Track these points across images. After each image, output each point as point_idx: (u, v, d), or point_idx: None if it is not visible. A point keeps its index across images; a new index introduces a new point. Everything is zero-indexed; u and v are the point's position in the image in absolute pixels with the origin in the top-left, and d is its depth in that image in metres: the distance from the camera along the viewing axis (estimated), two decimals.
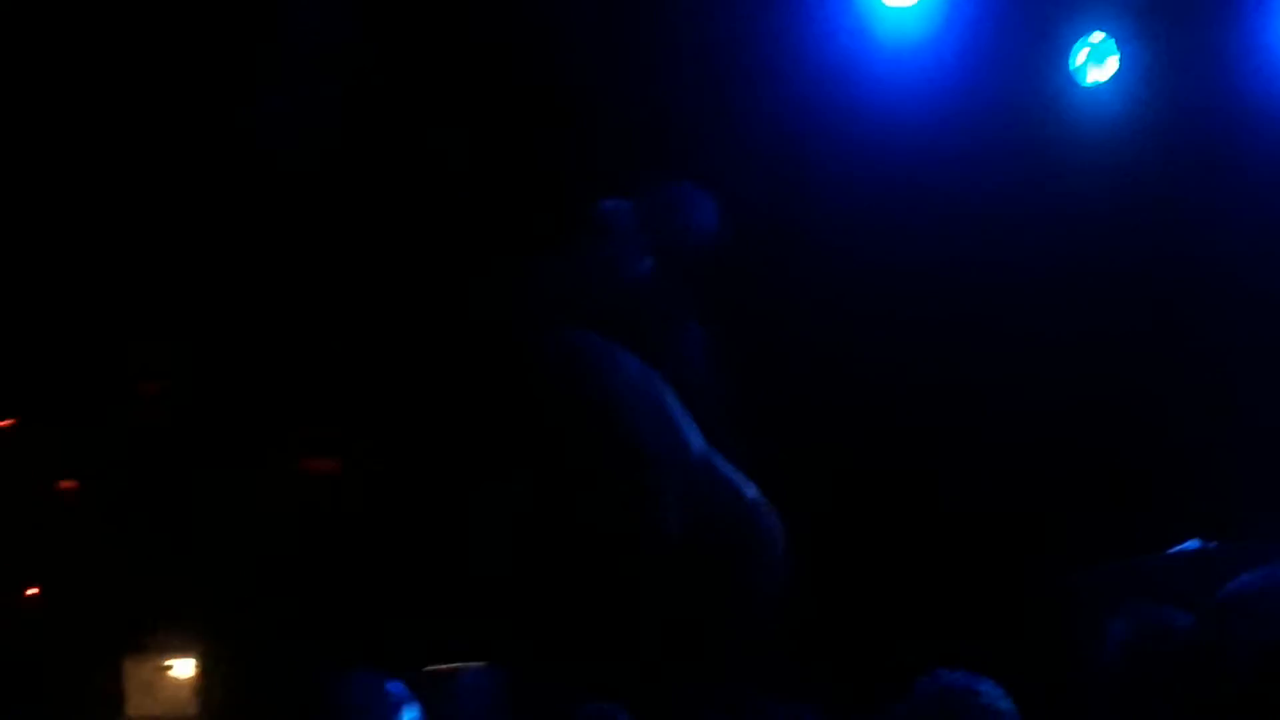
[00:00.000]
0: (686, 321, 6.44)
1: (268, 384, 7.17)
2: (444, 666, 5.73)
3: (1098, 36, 7.20)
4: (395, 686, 4.21)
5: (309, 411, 7.24)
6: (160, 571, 7.16)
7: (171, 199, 6.94)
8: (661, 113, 6.84)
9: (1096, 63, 7.23)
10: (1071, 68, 7.21)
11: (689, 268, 6.44)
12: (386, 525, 6.95)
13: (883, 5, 6.97)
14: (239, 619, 7.22)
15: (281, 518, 7.18)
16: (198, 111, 6.71)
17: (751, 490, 5.07)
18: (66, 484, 7.52)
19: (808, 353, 6.94)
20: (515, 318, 5.67)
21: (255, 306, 7.06)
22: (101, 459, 7.51)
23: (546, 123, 6.72)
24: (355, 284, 6.92)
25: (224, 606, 7.26)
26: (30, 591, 7.51)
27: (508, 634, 5.70)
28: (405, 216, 6.84)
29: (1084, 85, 7.20)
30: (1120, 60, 7.18)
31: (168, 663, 7.50)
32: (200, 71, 6.61)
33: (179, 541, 7.18)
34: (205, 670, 7.51)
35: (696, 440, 5.07)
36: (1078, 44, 7.23)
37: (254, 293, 7.03)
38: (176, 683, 7.49)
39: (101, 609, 7.36)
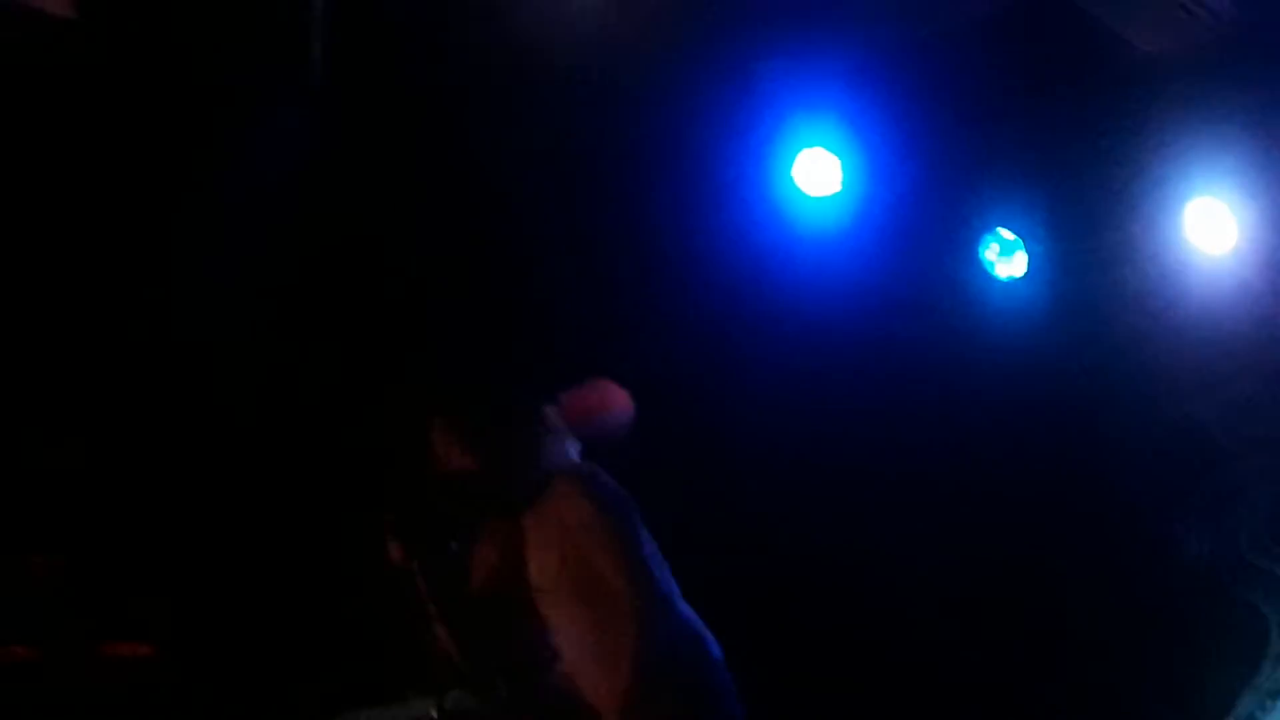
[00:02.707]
0: None
1: None
2: None
3: (1007, 233, 7.37)
4: None
5: None
6: None
7: None
8: (575, 293, 6.86)
9: (1006, 257, 7.38)
10: (983, 261, 7.35)
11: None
12: None
13: (802, 194, 7.08)
14: None
15: None
16: None
17: (716, 649, 4.98)
18: None
19: (723, 537, 6.91)
20: None
21: None
22: None
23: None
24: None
25: None
26: None
27: None
28: None
29: (996, 278, 7.34)
30: (1030, 257, 7.34)
31: None
32: None
33: None
34: None
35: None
36: (987, 238, 7.38)
37: None
38: None
39: None
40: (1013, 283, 7.34)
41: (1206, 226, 7.16)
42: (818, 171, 7.09)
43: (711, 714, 4.81)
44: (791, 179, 7.09)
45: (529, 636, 4.92)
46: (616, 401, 5.49)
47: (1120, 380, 7.35)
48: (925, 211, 7.26)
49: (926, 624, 7.11)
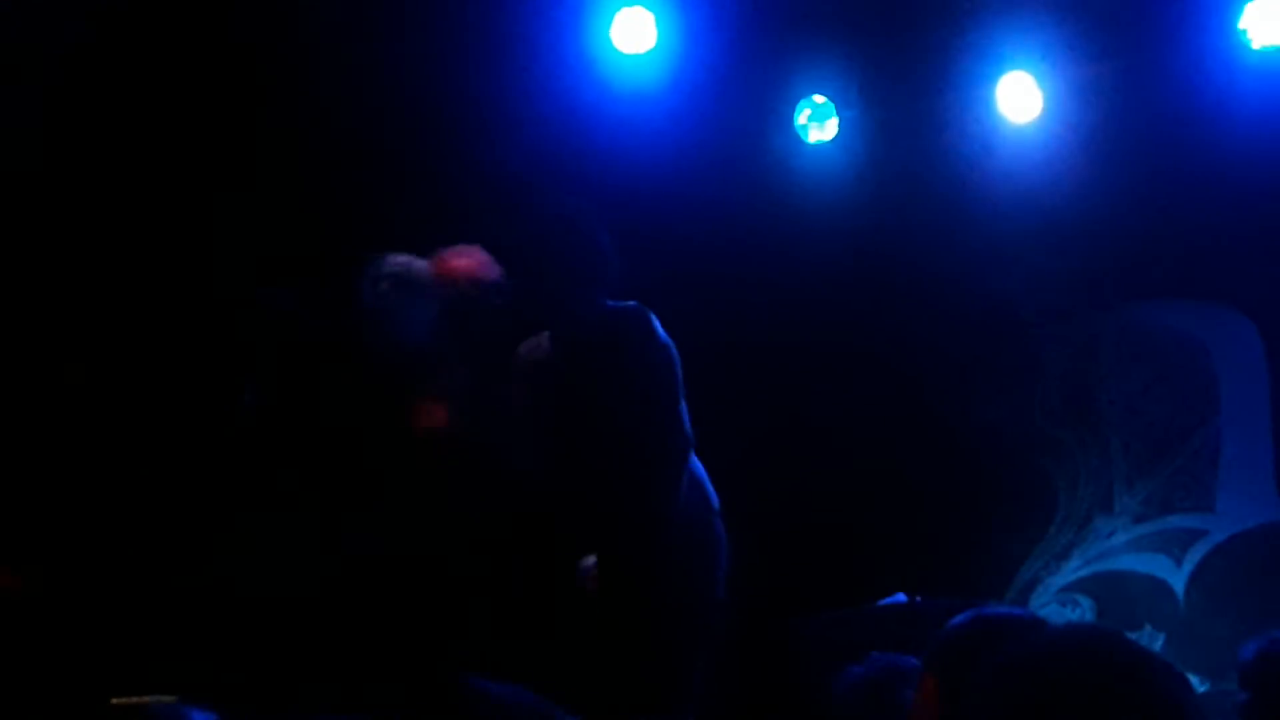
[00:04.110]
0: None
1: None
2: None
3: (819, 99, 7.39)
4: None
5: None
6: None
7: None
8: (395, 151, 6.73)
9: (818, 123, 7.41)
10: (795, 125, 7.37)
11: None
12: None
13: (616, 51, 7.02)
14: None
15: None
16: None
17: (715, 499, 5.08)
18: None
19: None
20: None
21: None
22: None
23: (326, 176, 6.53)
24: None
25: None
26: None
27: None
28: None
29: (807, 143, 7.37)
30: (841, 122, 7.38)
31: None
32: None
33: None
34: None
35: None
36: (800, 104, 7.40)
37: None
38: None
39: None
40: (823, 147, 7.38)
41: (1015, 98, 7.26)
42: (634, 28, 7.03)
43: (709, 560, 5.04)
44: (608, 36, 7.01)
45: None
46: (483, 266, 5.46)
47: (927, 249, 7.47)
48: (739, 73, 7.24)
49: (757, 478, 7.16)
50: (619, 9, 6.99)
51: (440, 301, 5.14)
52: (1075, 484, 7.58)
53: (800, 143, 7.37)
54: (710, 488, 5.12)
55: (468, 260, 5.23)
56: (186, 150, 6.46)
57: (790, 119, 7.37)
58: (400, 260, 5.20)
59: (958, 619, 2.93)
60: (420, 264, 5.16)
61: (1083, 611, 7.43)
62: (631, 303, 5.17)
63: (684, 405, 5.06)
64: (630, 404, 5.01)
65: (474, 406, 5.14)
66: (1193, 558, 7.30)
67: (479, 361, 5.16)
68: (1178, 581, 7.29)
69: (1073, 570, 7.53)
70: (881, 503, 7.49)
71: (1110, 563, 7.48)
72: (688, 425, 5.05)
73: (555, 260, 5.09)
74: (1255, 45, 6.87)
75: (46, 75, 6.16)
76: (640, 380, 5.02)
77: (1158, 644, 7.16)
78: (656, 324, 5.10)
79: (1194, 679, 6.95)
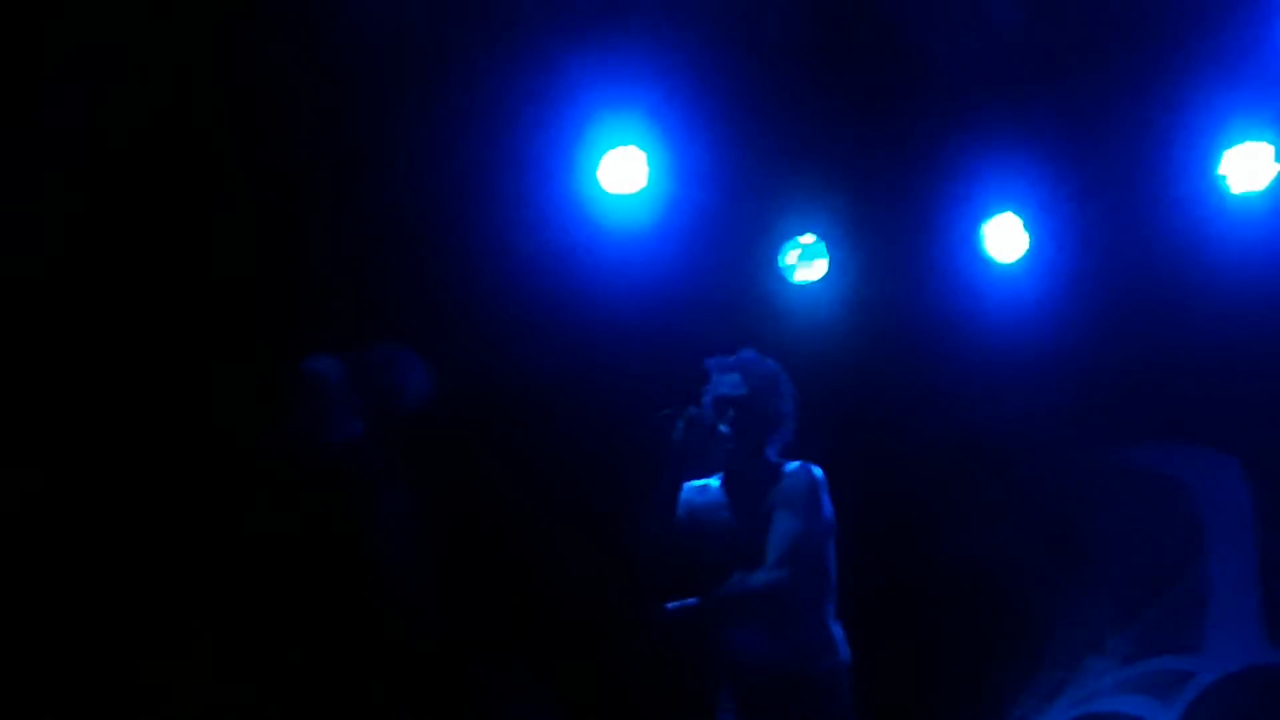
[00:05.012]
0: (393, 484, 6.36)
1: None
2: None
3: (808, 238, 7.47)
4: None
5: None
6: None
7: None
8: (380, 278, 6.83)
9: (806, 262, 7.48)
10: (781, 266, 7.45)
11: (397, 430, 6.39)
12: None
13: (604, 192, 7.12)
14: None
15: None
16: None
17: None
18: None
19: (510, 519, 6.94)
20: None
21: None
22: None
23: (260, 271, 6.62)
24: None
25: None
26: None
27: None
28: None
29: (793, 283, 7.44)
30: (829, 263, 7.45)
31: None
32: None
33: None
34: None
35: None
36: (788, 244, 7.48)
37: None
38: None
39: None
40: (810, 287, 7.45)
41: (1002, 239, 7.35)
42: (624, 169, 7.13)
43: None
44: (596, 177, 7.12)
45: None
46: (415, 371, 5.54)
47: (912, 385, 7.52)
48: (728, 214, 7.33)
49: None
50: (608, 149, 7.09)
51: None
52: (1064, 622, 7.57)
53: (787, 283, 7.44)
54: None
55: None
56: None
57: (778, 259, 7.45)
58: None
59: None
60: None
61: None
62: (798, 463, 5.44)
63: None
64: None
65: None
66: (1181, 700, 7.26)
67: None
68: None
69: (1061, 711, 7.49)
70: (862, 639, 7.45)
71: (1099, 704, 7.44)
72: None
73: (759, 414, 5.41)
74: (1234, 190, 6.97)
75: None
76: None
77: None
78: (823, 487, 5.37)
79: None
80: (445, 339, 6.74)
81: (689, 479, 5.44)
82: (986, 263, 7.39)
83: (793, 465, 5.45)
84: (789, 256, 7.48)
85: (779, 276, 7.43)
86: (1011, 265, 7.38)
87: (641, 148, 7.14)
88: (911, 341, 7.56)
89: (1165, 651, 7.35)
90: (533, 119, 6.92)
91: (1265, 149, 6.93)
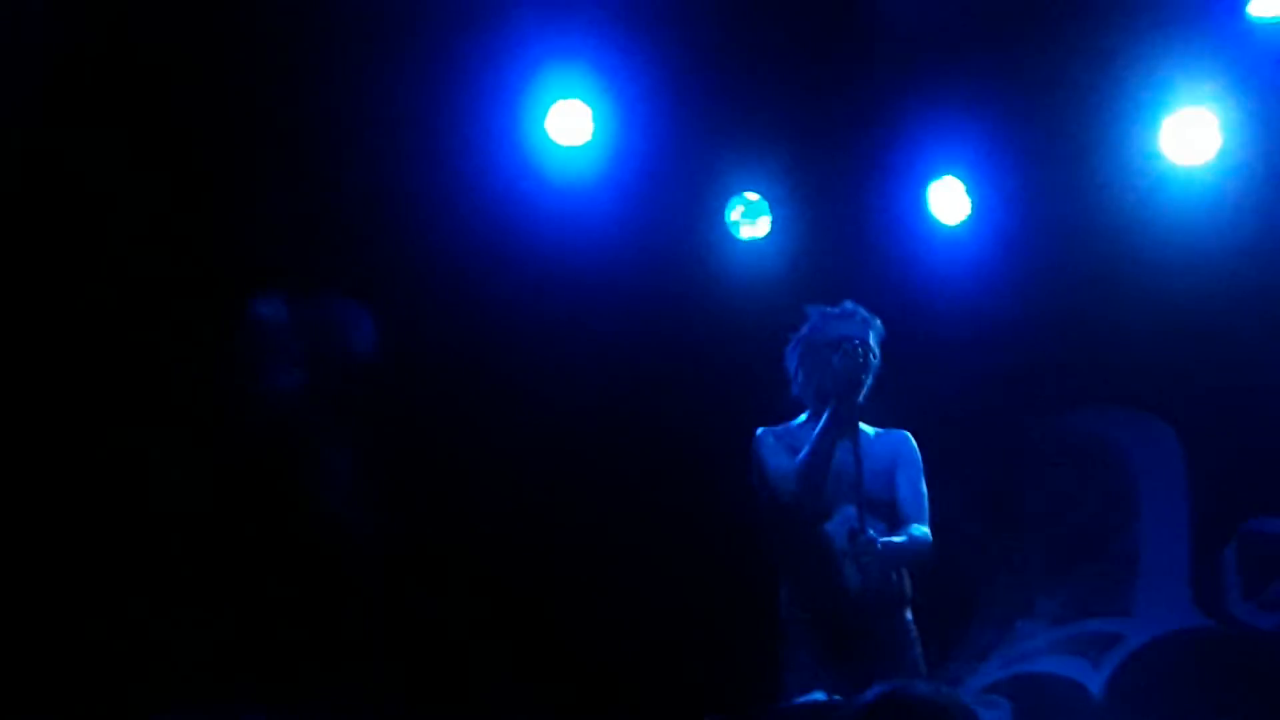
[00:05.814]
0: (335, 442, 6.34)
1: None
2: None
3: (752, 195, 7.47)
4: None
5: None
6: None
7: None
8: (324, 231, 6.78)
9: (749, 220, 7.48)
10: (727, 221, 7.44)
11: (341, 384, 6.36)
12: None
13: (552, 143, 7.08)
14: None
15: None
16: None
17: None
18: None
19: (452, 474, 6.92)
20: None
21: None
22: None
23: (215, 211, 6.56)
24: None
25: None
26: None
27: None
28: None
29: (739, 239, 7.44)
30: (772, 220, 7.45)
31: None
32: None
33: None
34: None
35: None
36: (733, 200, 7.47)
37: None
38: None
39: None
40: (755, 243, 7.44)
41: (946, 201, 7.38)
42: (570, 122, 7.10)
43: None
44: (544, 129, 7.09)
45: None
46: (362, 326, 5.52)
47: None
48: (674, 168, 7.32)
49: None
50: (555, 101, 7.06)
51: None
52: (993, 583, 7.63)
53: (733, 238, 7.44)
54: None
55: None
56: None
57: (723, 214, 7.44)
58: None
59: (868, 695, 2.93)
60: None
61: (1002, 713, 7.45)
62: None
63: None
64: None
65: None
66: (1110, 661, 7.34)
67: None
68: (1095, 685, 7.33)
69: (992, 671, 7.56)
70: None
71: (1029, 664, 7.51)
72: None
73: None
74: (1177, 161, 7.02)
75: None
76: None
77: None
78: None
79: None
80: (391, 293, 6.72)
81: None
82: (931, 224, 7.41)
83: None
84: (733, 213, 7.47)
85: (725, 232, 7.43)
86: (954, 228, 7.41)
87: (587, 101, 7.12)
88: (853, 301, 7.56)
89: (1096, 614, 7.43)
90: (478, 71, 6.88)
91: (1208, 115, 6.98)
